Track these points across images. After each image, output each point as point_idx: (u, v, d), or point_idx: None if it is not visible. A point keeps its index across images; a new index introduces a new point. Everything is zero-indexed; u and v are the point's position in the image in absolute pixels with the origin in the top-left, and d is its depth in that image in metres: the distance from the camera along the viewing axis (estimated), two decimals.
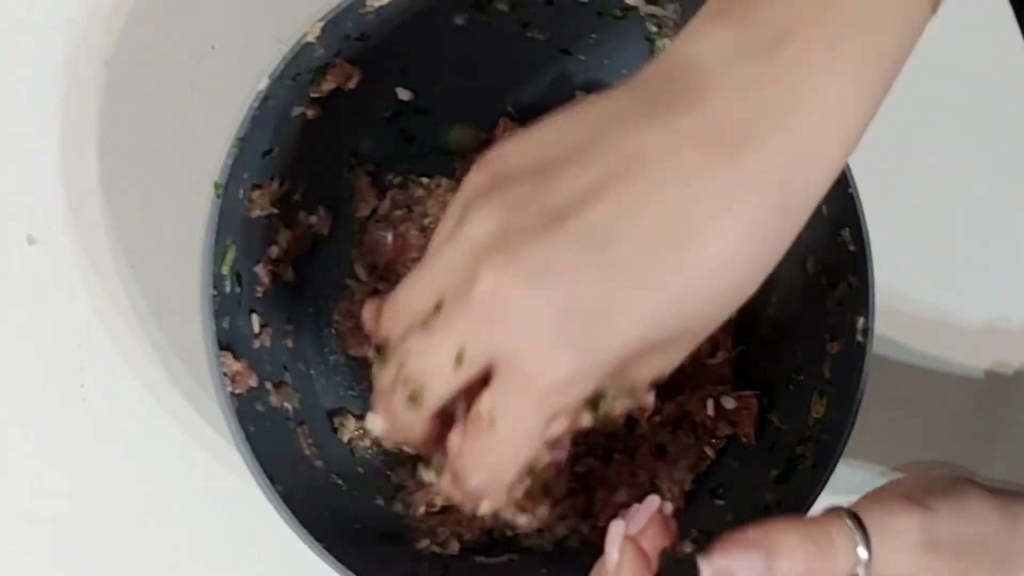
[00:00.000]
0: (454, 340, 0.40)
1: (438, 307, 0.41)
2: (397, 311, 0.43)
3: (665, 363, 0.43)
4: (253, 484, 0.53)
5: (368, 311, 0.46)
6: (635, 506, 0.45)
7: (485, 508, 0.44)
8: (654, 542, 0.45)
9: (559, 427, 0.42)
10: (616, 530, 0.45)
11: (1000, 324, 0.65)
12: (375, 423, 0.45)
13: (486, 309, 0.39)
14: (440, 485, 0.45)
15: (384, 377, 0.43)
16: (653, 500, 0.45)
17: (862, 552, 0.41)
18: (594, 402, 0.43)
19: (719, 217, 0.39)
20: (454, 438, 0.43)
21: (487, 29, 0.58)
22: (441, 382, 0.41)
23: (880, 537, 0.42)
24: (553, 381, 0.40)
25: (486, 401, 0.41)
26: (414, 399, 0.42)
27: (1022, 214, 0.66)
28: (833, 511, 0.43)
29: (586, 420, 0.43)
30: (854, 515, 0.42)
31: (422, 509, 0.59)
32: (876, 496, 0.44)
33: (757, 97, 0.39)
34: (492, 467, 0.42)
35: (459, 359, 0.40)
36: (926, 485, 0.44)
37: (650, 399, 0.44)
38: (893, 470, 0.63)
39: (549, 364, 0.39)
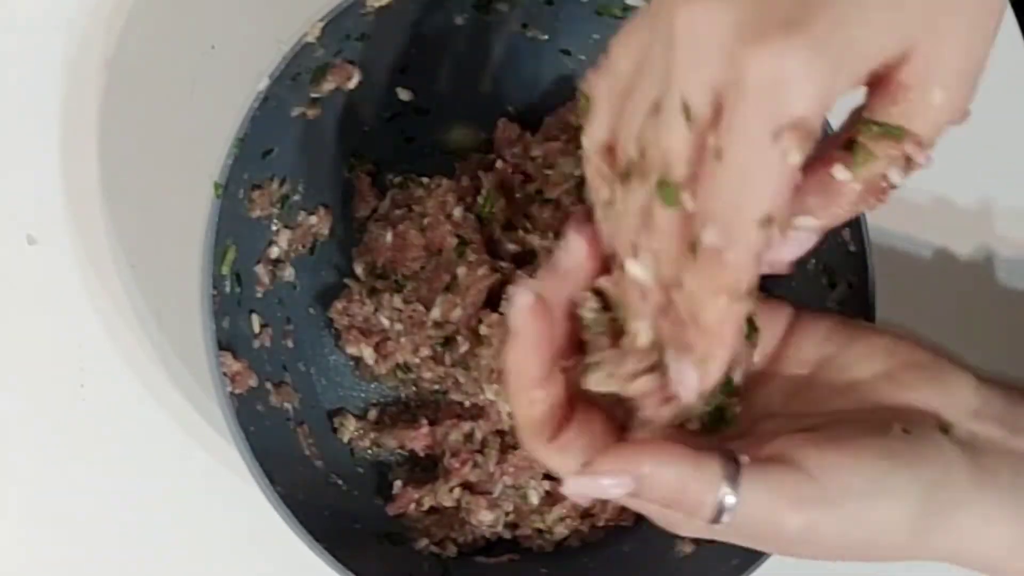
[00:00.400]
0: (677, 97, 0.37)
1: (648, 87, 0.38)
2: (612, 122, 0.40)
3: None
4: (253, 484, 0.53)
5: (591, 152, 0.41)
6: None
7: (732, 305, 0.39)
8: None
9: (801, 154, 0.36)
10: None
11: (1000, 325, 0.65)
12: (642, 262, 0.40)
13: (698, 47, 0.36)
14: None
15: (630, 197, 0.39)
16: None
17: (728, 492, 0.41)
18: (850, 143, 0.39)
19: None
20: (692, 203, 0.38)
21: (487, 29, 0.58)
22: (679, 137, 0.37)
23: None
24: (788, 76, 0.35)
25: (711, 140, 0.37)
26: (663, 186, 0.38)
27: (1022, 213, 0.66)
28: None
29: (841, 173, 0.40)
30: (728, 454, 0.42)
31: (412, 507, 0.59)
32: None
33: None
34: (735, 205, 0.37)
35: (686, 112, 0.37)
36: None
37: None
38: None
39: (781, 57, 0.35)
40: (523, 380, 0.42)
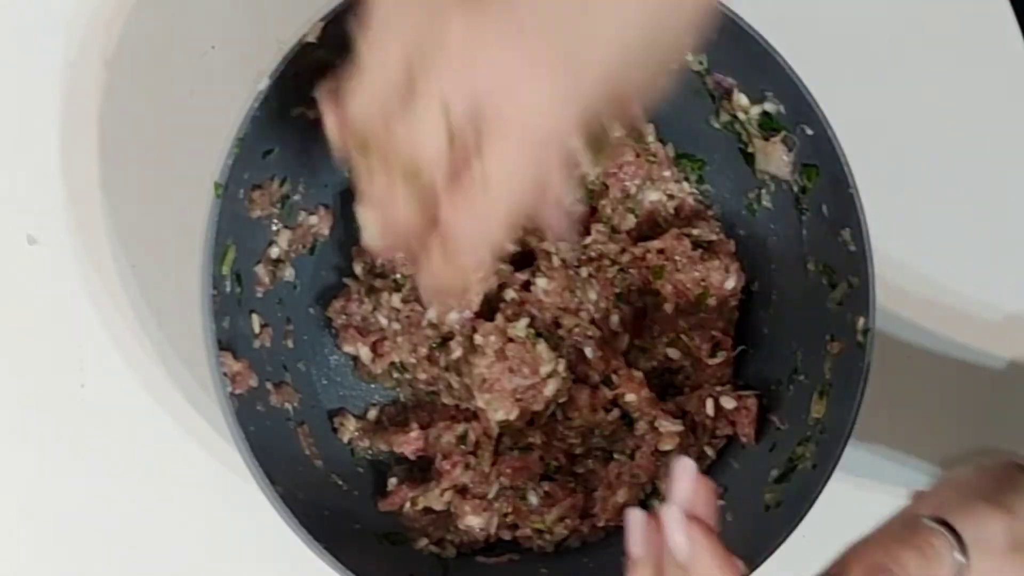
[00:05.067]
0: (437, 99, 0.39)
1: (410, 78, 0.39)
2: (366, 96, 0.41)
3: (647, 74, 0.41)
4: (253, 484, 0.53)
5: (332, 119, 0.43)
6: (675, 475, 0.43)
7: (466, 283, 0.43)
8: (706, 507, 0.43)
9: (555, 174, 0.41)
10: (672, 514, 0.43)
11: (1002, 318, 0.65)
12: (368, 221, 0.42)
13: (465, 56, 0.38)
14: (426, 277, 0.43)
15: (375, 169, 0.41)
16: (687, 462, 0.44)
17: (959, 558, 0.44)
18: (590, 139, 0.41)
19: None
20: (445, 210, 0.40)
21: None
22: (434, 146, 0.39)
23: (972, 542, 0.44)
24: (542, 106, 0.38)
25: (475, 163, 0.39)
26: (411, 177, 0.40)
27: (1021, 213, 0.66)
28: (917, 519, 0.45)
29: (586, 162, 0.42)
30: (946, 523, 0.44)
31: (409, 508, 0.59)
32: (948, 494, 0.47)
33: None
34: (488, 224, 0.40)
35: (446, 117, 0.39)
36: (992, 482, 0.47)
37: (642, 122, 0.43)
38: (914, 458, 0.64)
39: (536, 87, 0.38)
40: None
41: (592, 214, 0.61)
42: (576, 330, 0.59)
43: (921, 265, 0.64)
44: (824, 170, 0.57)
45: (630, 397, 0.59)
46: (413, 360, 0.60)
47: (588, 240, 0.60)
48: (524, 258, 0.60)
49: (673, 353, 0.61)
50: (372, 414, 0.62)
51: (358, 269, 0.61)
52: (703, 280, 0.60)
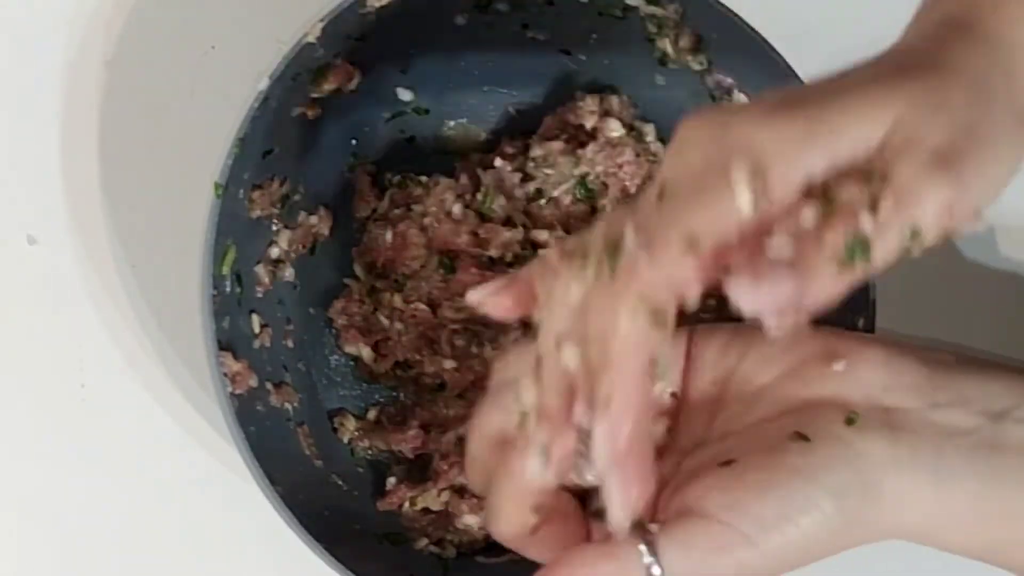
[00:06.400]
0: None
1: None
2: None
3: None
4: (253, 484, 0.53)
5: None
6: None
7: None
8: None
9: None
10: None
11: (1002, 318, 0.65)
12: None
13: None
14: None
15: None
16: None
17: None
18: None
19: None
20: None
21: (487, 29, 0.58)
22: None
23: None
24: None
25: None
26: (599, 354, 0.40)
27: (1022, 214, 0.66)
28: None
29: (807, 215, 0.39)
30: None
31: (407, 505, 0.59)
32: None
33: None
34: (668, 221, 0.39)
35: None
36: None
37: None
38: None
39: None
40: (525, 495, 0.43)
41: (592, 214, 0.61)
42: None
43: (921, 265, 0.64)
44: None
45: None
46: (418, 357, 0.60)
47: None
48: (523, 257, 0.60)
49: None
50: (372, 414, 0.62)
51: (359, 269, 0.61)
52: None
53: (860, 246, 0.38)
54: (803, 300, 0.38)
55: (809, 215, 0.38)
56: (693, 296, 0.39)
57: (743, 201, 0.38)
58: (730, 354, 0.47)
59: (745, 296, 0.38)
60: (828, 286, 0.39)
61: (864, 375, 0.45)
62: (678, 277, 0.38)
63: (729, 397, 0.46)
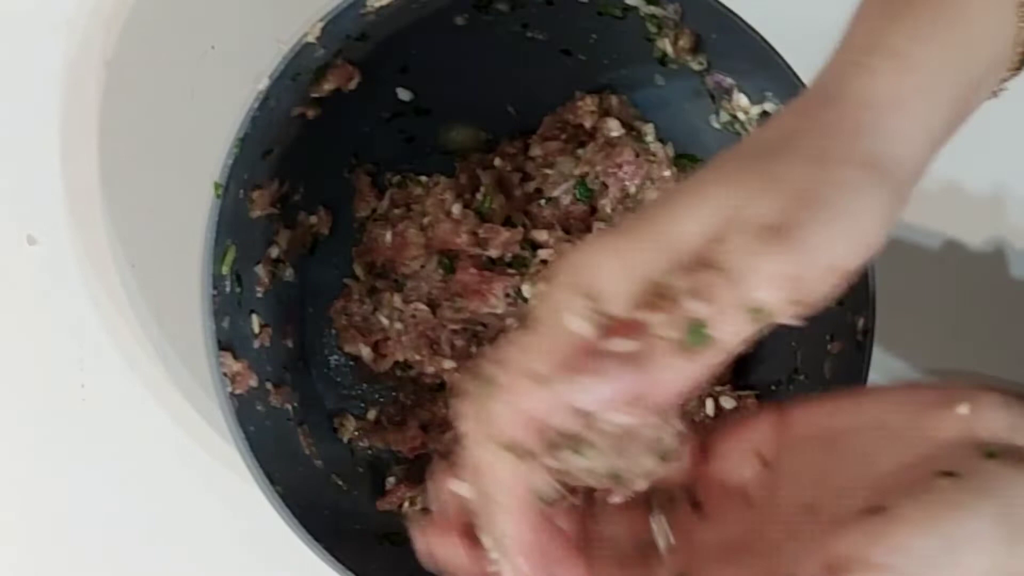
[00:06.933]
0: None
1: None
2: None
3: None
4: (253, 484, 0.53)
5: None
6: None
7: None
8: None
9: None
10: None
11: (1006, 324, 0.65)
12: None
13: None
14: None
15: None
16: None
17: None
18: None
19: None
20: None
21: (487, 29, 0.58)
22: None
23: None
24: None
25: None
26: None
27: (1022, 218, 0.66)
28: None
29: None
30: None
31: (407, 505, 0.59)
32: None
33: None
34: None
35: None
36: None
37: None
38: None
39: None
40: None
41: (592, 214, 0.61)
42: None
43: (922, 265, 0.64)
44: None
45: None
46: (418, 357, 0.60)
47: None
48: (523, 257, 0.60)
49: None
50: (372, 414, 0.62)
51: (359, 269, 0.61)
52: None
53: (695, 331, 0.38)
54: (653, 389, 0.39)
55: (646, 310, 0.39)
56: (564, 423, 0.39)
57: (576, 326, 0.38)
58: (837, 417, 0.46)
59: (583, 394, 0.38)
60: (678, 371, 0.39)
61: (988, 416, 0.45)
62: (532, 411, 0.39)
63: (844, 458, 0.46)
